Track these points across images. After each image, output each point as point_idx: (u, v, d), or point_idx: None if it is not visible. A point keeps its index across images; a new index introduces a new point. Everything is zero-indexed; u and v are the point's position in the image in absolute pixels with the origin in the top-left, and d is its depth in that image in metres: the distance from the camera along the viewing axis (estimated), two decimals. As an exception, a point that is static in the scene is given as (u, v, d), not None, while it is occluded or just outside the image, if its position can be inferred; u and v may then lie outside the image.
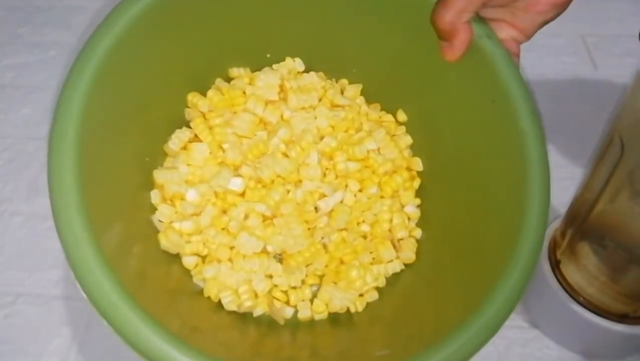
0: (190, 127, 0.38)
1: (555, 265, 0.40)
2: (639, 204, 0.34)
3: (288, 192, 0.37)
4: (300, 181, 0.37)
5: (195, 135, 0.37)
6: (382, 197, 0.38)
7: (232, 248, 0.36)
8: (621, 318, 0.37)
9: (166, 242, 0.34)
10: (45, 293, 0.44)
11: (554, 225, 0.41)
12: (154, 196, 0.36)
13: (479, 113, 0.34)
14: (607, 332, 0.37)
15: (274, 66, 0.40)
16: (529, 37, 0.33)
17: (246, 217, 0.36)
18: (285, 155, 0.37)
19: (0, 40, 0.60)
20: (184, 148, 0.37)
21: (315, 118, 0.38)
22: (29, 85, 0.56)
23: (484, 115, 0.33)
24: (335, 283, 0.36)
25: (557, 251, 0.40)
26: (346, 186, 0.38)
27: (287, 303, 0.36)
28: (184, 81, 0.37)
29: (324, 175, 0.38)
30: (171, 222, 0.35)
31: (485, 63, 0.32)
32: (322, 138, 0.38)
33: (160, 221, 0.35)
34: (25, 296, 0.43)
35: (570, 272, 0.39)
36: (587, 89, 0.55)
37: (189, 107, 0.38)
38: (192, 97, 0.38)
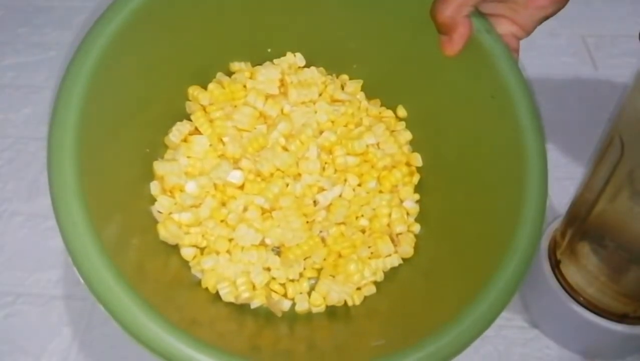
0: (191, 120, 0.38)
1: (555, 265, 0.39)
2: (639, 204, 0.34)
3: (287, 185, 0.37)
4: (299, 175, 0.38)
5: (196, 128, 0.38)
6: (381, 191, 0.38)
7: (230, 240, 0.36)
8: (621, 318, 0.37)
9: (165, 232, 0.35)
10: (45, 293, 0.44)
11: (554, 225, 0.41)
12: (154, 187, 0.36)
13: (478, 108, 0.34)
14: (607, 332, 0.37)
15: (275, 61, 0.40)
16: (528, 32, 0.33)
17: (245, 209, 0.36)
18: (285, 148, 0.37)
19: (0, 40, 0.60)
20: (185, 140, 0.37)
21: (315, 112, 0.39)
22: (29, 85, 0.56)
23: (483, 110, 0.33)
24: (333, 276, 0.36)
25: (557, 251, 0.40)
26: (345, 180, 0.38)
27: (285, 295, 0.36)
28: (186, 75, 0.38)
29: (323, 169, 0.38)
30: (170, 213, 0.36)
31: (485, 58, 0.32)
32: (321, 132, 0.38)
33: (160, 212, 0.36)
34: (25, 296, 0.43)
35: (570, 272, 0.39)
36: (587, 89, 0.55)
37: (189, 100, 0.38)
38: (193, 90, 0.38)
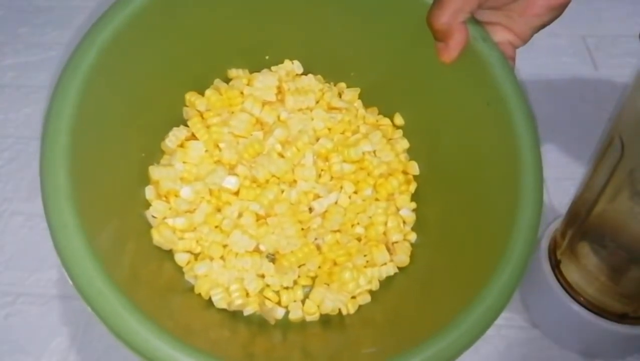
0: (187, 126, 0.38)
1: (555, 265, 0.39)
2: (639, 204, 0.34)
3: (282, 191, 0.37)
4: (295, 181, 0.37)
5: (193, 134, 0.37)
6: (377, 199, 0.38)
7: (224, 246, 0.36)
8: (621, 318, 0.37)
9: (159, 237, 0.35)
10: (46, 292, 0.44)
11: (554, 225, 0.41)
12: (149, 192, 0.36)
13: (474, 116, 0.34)
14: (607, 332, 0.37)
15: (273, 68, 0.40)
16: (525, 40, 0.33)
17: (240, 215, 0.36)
18: (281, 155, 0.37)
19: (1, 40, 0.60)
20: (181, 146, 0.37)
21: (312, 119, 0.39)
22: (29, 85, 0.56)
23: (479, 118, 0.33)
24: (328, 284, 0.36)
25: (557, 251, 0.40)
26: (341, 188, 0.38)
27: (279, 303, 0.36)
28: (183, 81, 0.38)
29: (319, 176, 0.38)
30: (165, 218, 0.36)
31: (481, 66, 0.32)
32: (318, 139, 0.38)
33: (154, 217, 0.36)
34: (26, 296, 0.43)
35: (571, 272, 0.39)
36: (588, 89, 0.55)
37: (187, 106, 0.38)
38: (190, 96, 0.38)
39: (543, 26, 0.32)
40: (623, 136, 0.32)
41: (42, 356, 0.41)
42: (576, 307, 0.38)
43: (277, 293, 0.36)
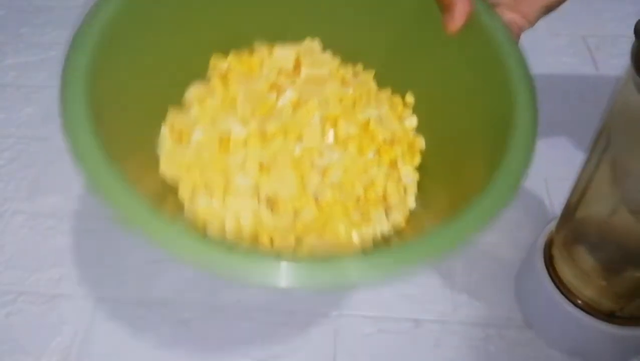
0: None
1: (549, 265, 0.40)
2: (623, 203, 0.34)
3: (287, 145, 0.38)
4: (301, 139, 0.39)
5: (213, 91, 0.40)
6: (380, 164, 0.39)
7: (226, 187, 0.37)
8: (610, 316, 0.37)
9: (165, 167, 0.36)
10: (46, 292, 0.44)
11: (550, 226, 0.41)
12: (163, 129, 0.38)
13: (475, 81, 0.35)
14: (602, 333, 0.37)
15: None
16: (531, 22, 0.34)
17: (244, 161, 0.38)
18: (291, 115, 0.39)
19: (2, 40, 0.60)
20: (200, 99, 0.40)
21: (325, 90, 0.40)
22: (30, 85, 0.57)
23: (479, 82, 0.34)
24: (321, 235, 0.36)
25: (552, 251, 0.40)
26: (345, 149, 0.39)
27: (271, 247, 0.36)
28: (209, 48, 0.40)
29: (325, 136, 0.39)
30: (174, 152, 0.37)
31: (483, 35, 0.33)
32: (328, 105, 0.40)
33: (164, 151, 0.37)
34: (26, 295, 0.44)
35: (565, 272, 0.39)
36: (588, 89, 0.55)
37: (210, 68, 0.41)
38: (214, 59, 0.41)
39: (549, 8, 0.33)
40: (610, 127, 0.32)
41: (42, 356, 0.41)
42: (570, 308, 0.38)
43: (271, 239, 0.37)
